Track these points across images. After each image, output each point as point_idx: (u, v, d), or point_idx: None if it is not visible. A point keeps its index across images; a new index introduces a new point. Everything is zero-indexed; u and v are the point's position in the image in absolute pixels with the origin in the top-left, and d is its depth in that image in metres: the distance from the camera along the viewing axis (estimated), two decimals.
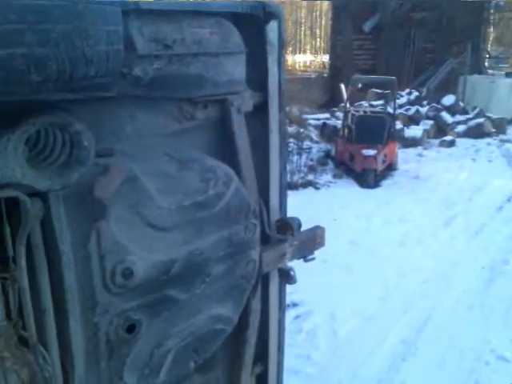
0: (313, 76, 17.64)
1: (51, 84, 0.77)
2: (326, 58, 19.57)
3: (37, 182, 0.95)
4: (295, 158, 8.20)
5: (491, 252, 5.34)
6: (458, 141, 10.87)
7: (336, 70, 16.03)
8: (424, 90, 13.26)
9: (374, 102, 11.20)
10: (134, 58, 1.20)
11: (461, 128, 11.44)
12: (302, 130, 9.74)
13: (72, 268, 1.13)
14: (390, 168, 8.46)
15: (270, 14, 1.58)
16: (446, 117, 11.71)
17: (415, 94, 12.72)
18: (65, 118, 0.97)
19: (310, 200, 6.67)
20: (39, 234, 1.08)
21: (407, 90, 12.83)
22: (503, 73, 16.14)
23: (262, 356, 1.85)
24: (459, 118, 11.86)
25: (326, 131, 10.30)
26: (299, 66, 21.11)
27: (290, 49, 21.44)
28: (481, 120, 11.62)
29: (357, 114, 8.72)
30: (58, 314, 1.14)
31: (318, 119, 11.12)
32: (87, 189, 1.12)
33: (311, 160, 8.83)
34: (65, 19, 0.73)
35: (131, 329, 1.24)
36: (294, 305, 4.08)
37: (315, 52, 23.08)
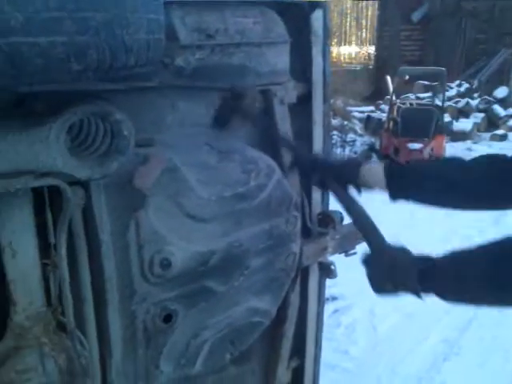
0: (358, 68, 17.33)
1: (91, 73, 0.76)
2: (371, 49, 19.19)
3: (77, 171, 0.96)
4: (338, 150, 8.10)
5: None
6: (511, 135, 10.46)
7: (382, 62, 15.71)
8: (475, 82, 12.81)
9: (421, 95, 10.92)
10: (176, 48, 1.20)
11: None
12: (345, 122, 9.62)
13: (111, 257, 1.14)
14: None
15: (314, 3, 1.55)
16: (498, 110, 11.31)
17: (465, 85, 12.33)
18: (105, 107, 0.97)
19: (352, 193, 6.54)
20: (80, 222, 1.09)
21: (457, 82, 12.45)
22: None
23: (298, 350, 1.83)
24: None
25: (370, 124, 10.13)
26: (344, 58, 20.79)
27: (335, 40, 21.12)
28: None
29: (403, 106, 8.52)
30: (97, 301, 1.16)
31: (363, 112, 10.95)
32: (127, 178, 1.12)
33: (355, 153, 8.71)
34: (105, 7, 0.73)
35: (168, 318, 1.24)
36: (334, 298, 4.04)
37: (361, 43, 22.68)
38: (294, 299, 1.67)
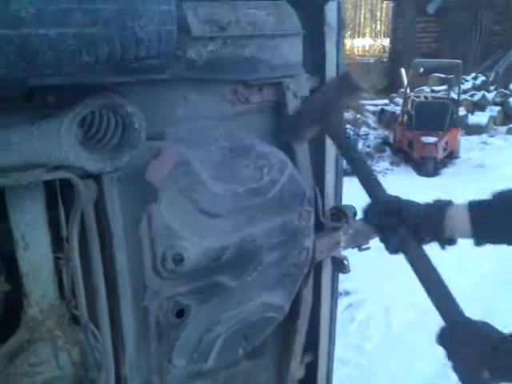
0: (371, 61, 17.20)
1: (102, 65, 0.75)
2: (386, 41, 19.03)
3: (89, 164, 0.95)
4: None
5: None
6: None
7: (396, 55, 15.56)
8: (491, 75, 12.64)
9: (436, 88, 10.80)
10: (188, 40, 1.18)
11: None
12: (358, 115, 9.55)
13: (123, 250, 1.14)
14: (452, 156, 8.16)
15: None
16: None
17: (481, 78, 12.17)
18: (117, 100, 0.97)
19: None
20: (92, 215, 1.09)
21: (473, 75, 12.29)
22: None
23: (312, 345, 1.82)
24: None
25: (384, 117, 10.07)
26: (357, 51, 20.65)
27: (349, 33, 20.97)
28: None
29: (417, 99, 8.44)
30: (110, 295, 1.16)
31: (376, 105, 10.87)
32: (139, 172, 1.12)
33: (368, 147, 8.66)
34: None
35: (180, 313, 1.24)
36: (347, 293, 4.02)
37: (375, 36, 22.48)
38: (307, 294, 1.66)
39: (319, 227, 1.63)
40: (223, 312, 1.34)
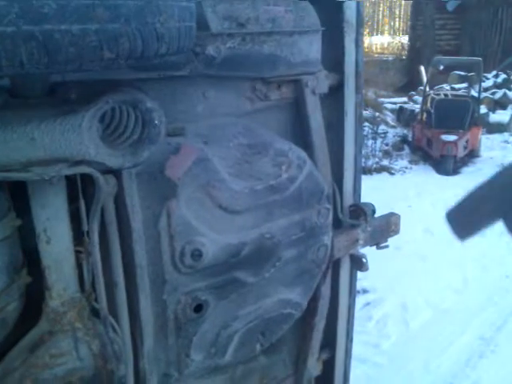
0: (390, 58, 17.05)
1: (123, 61, 0.76)
2: (405, 39, 18.83)
3: (109, 160, 0.96)
4: (370, 142, 8.00)
5: None
6: None
7: (415, 52, 15.40)
8: None
9: (457, 85, 10.66)
10: (207, 37, 1.19)
11: None
12: (377, 113, 9.48)
13: (143, 245, 1.15)
14: (472, 155, 8.05)
15: None
16: None
17: (503, 76, 11.97)
18: (137, 96, 0.98)
19: (384, 186, 6.46)
20: (112, 210, 1.11)
21: (494, 73, 12.11)
22: None
23: (329, 342, 1.82)
24: None
25: (402, 115, 9.98)
26: (376, 48, 20.47)
27: (367, 30, 20.81)
28: None
29: (437, 97, 8.34)
30: (129, 289, 1.17)
31: (395, 103, 10.79)
32: (159, 168, 1.13)
33: (386, 145, 8.60)
34: None
35: (198, 308, 1.25)
36: (365, 291, 4.00)
37: (394, 33, 22.26)
38: (325, 291, 1.66)
39: (338, 224, 1.63)
40: (241, 308, 1.35)
